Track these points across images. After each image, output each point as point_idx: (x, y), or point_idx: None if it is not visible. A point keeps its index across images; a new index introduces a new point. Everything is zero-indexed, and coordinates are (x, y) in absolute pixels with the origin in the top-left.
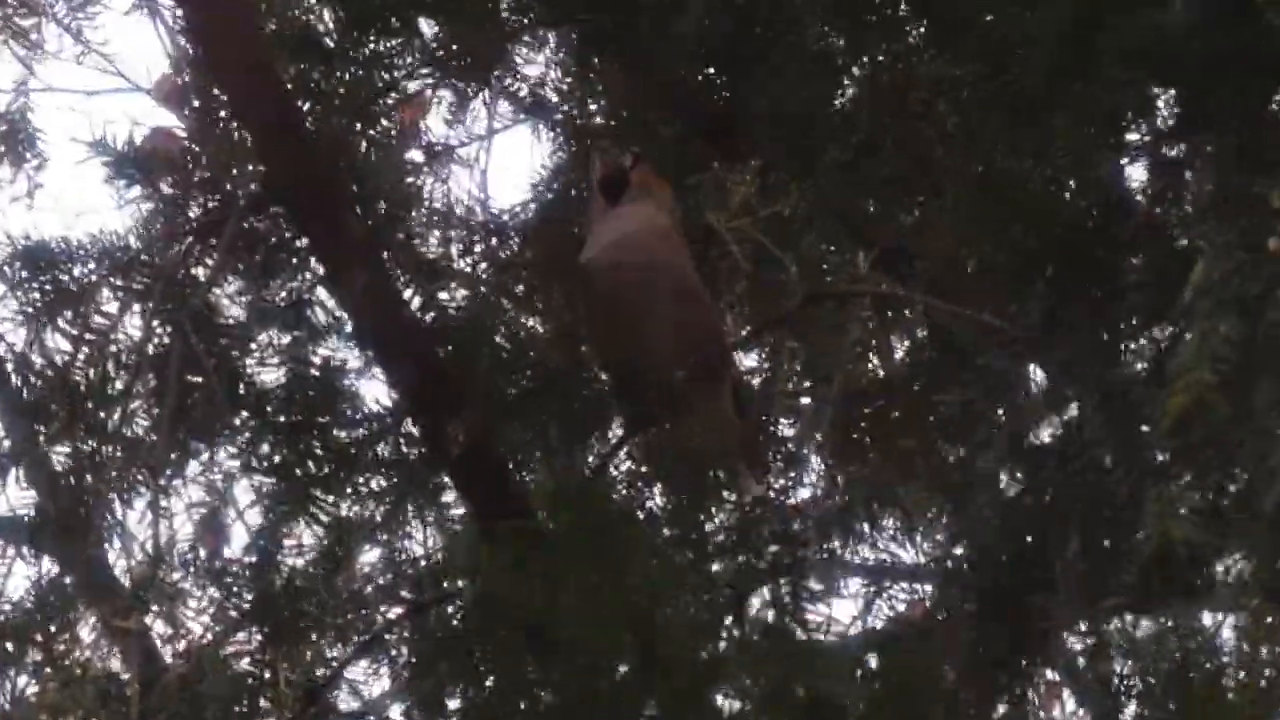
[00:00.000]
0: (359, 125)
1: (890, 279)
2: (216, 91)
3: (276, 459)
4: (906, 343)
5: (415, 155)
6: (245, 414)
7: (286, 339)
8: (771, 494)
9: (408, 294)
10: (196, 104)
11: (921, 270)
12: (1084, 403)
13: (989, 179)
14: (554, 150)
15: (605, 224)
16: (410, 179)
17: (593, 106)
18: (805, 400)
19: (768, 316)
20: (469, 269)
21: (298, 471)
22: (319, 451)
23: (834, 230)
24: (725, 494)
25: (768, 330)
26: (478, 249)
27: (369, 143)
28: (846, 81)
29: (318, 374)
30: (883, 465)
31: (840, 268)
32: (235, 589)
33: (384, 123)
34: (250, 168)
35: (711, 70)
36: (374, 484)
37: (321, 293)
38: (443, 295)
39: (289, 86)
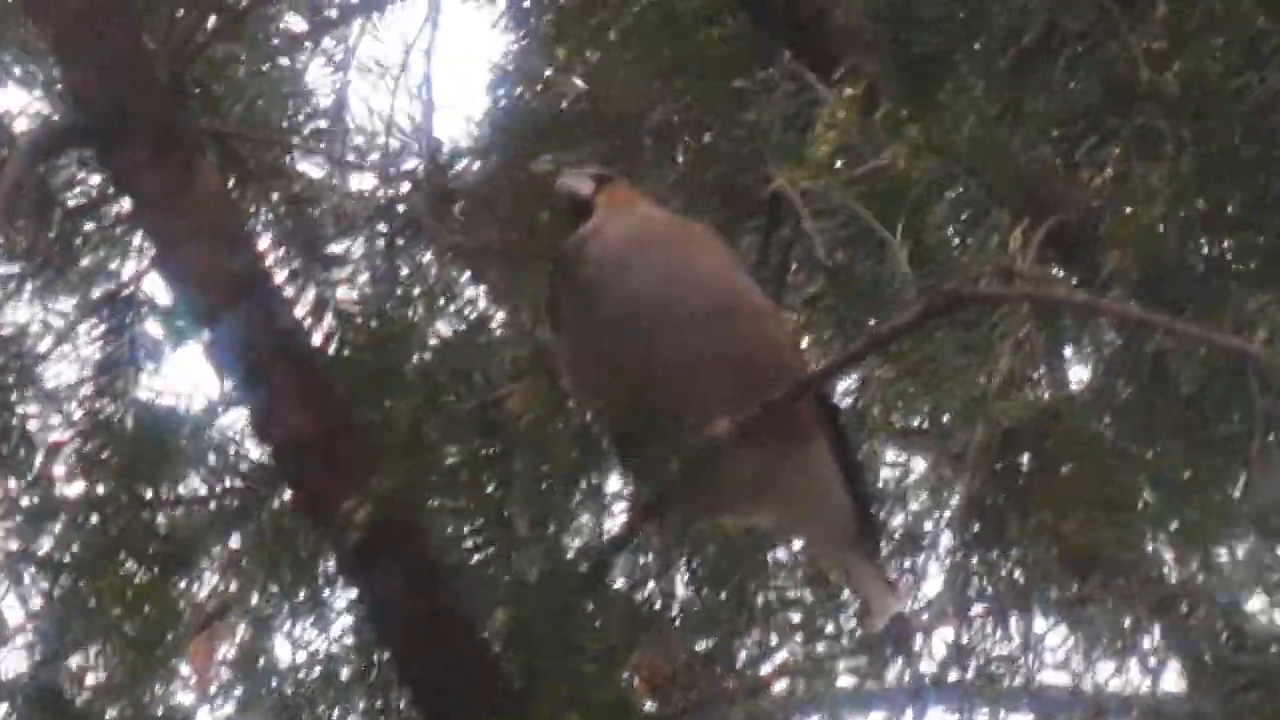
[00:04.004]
0: (217, 17)
1: (1064, 273)
2: None
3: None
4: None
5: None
6: (18, 480)
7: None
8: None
9: (291, 289)
10: None
11: (1115, 261)
12: None
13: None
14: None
15: (598, 221)
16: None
17: None
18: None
19: (862, 334)
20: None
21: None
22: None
23: (979, 194)
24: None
25: (860, 358)
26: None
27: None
28: None
29: (143, 415)
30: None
31: (983, 254)
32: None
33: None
34: (45, 81)
35: None
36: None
37: (154, 283)
38: (346, 291)
39: None
